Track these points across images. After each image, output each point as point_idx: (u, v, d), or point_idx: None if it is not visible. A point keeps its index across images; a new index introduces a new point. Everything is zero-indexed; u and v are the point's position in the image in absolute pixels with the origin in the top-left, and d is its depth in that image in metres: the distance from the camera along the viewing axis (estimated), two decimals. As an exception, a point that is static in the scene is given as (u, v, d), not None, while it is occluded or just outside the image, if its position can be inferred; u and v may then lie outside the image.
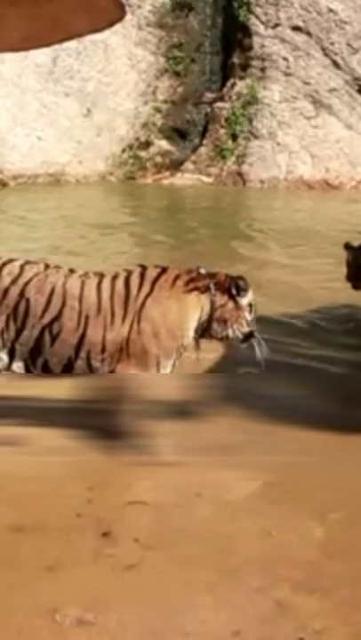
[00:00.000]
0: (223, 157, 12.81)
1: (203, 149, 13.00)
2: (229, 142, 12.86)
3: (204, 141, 13.04)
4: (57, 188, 11.62)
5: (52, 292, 3.51)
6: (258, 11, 12.97)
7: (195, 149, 13.05)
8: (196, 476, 2.52)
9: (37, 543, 2.07)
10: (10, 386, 3.52)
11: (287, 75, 12.97)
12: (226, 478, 2.51)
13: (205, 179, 12.69)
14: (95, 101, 12.61)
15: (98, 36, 11.24)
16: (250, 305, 3.68)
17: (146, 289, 3.52)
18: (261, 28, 13.02)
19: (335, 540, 2.18)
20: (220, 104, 13.09)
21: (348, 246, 5.31)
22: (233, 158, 12.80)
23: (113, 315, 3.49)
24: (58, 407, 3.34)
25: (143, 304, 3.50)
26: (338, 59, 12.99)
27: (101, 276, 3.61)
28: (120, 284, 3.57)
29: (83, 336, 3.48)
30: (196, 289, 3.58)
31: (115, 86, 12.81)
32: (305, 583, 1.90)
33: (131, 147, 12.81)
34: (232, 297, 3.62)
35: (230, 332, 3.64)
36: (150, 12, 13.04)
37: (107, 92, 12.73)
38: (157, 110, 13.00)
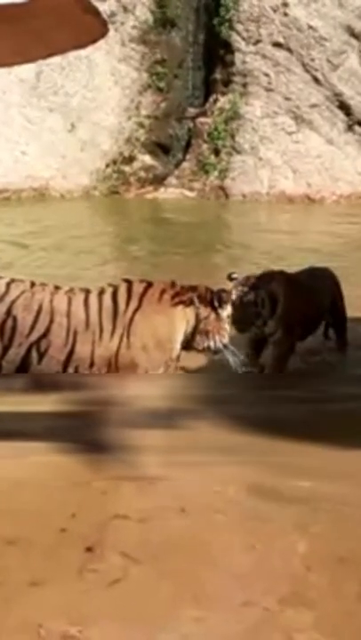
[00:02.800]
0: (206, 172, 12.89)
1: (186, 164, 13.08)
2: (212, 157, 12.95)
3: (187, 156, 13.12)
4: (41, 203, 11.62)
5: (40, 309, 3.51)
6: (239, 27, 13.11)
7: (178, 164, 13.13)
8: (181, 489, 2.51)
9: (22, 558, 2.06)
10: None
11: (268, 90, 13.10)
12: (211, 490, 2.50)
13: (188, 193, 12.76)
14: (79, 116, 12.66)
15: (82, 52, 11.28)
16: (228, 316, 3.72)
17: (134, 304, 3.54)
18: (243, 45, 13.15)
19: (320, 551, 2.18)
20: (202, 119, 13.19)
21: (232, 278, 4.20)
22: (216, 173, 12.88)
23: (101, 330, 3.50)
24: (43, 422, 3.33)
25: (132, 319, 3.52)
26: (318, 75, 13.14)
27: (87, 291, 3.62)
28: (107, 299, 3.59)
29: (71, 352, 3.49)
30: (181, 302, 3.61)
31: (98, 101, 12.87)
32: (291, 596, 1.90)
33: (114, 161, 12.86)
34: (214, 309, 3.65)
35: (212, 343, 3.68)
36: (133, 29, 13.14)
37: (90, 107, 12.79)
38: (141, 125, 13.07)
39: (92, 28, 3.37)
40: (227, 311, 3.71)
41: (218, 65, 13.36)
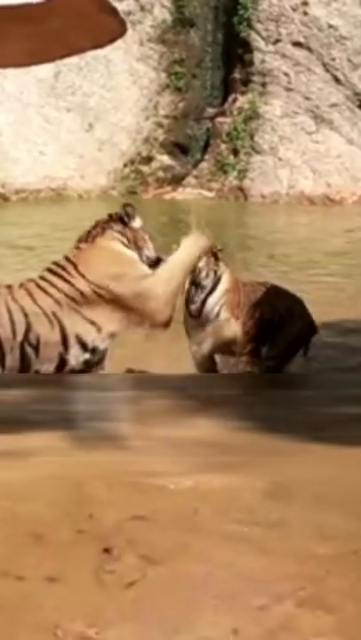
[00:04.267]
0: (225, 172, 12.85)
1: (204, 164, 13.04)
2: (231, 157, 12.90)
3: (206, 156, 13.08)
4: (58, 203, 11.66)
5: (9, 310, 3.55)
6: (259, 27, 13.06)
7: (196, 164, 13.09)
8: (196, 489, 2.50)
9: (39, 559, 2.05)
10: None
11: (288, 90, 13.04)
12: (225, 491, 2.49)
13: (207, 193, 12.73)
14: (97, 116, 12.68)
15: (100, 52, 11.28)
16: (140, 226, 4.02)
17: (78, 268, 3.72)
18: (262, 44, 13.09)
19: (339, 554, 2.16)
20: (221, 119, 13.14)
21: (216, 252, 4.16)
22: (234, 173, 12.84)
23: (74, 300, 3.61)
24: (52, 420, 3.33)
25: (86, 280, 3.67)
26: (339, 74, 13.06)
27: (33, 281, 3.74)
28: (55, 279, 3.71)
29: (62, 329, 3.53)
30: (104, 238, 3.93)
31: (116, 101, 12.88)
32: (308, 600, 1.87)
33: (132, 161, 12.87)
34: (125, 224, 3.91)
35: (148, 252, 3.95)
36: (152, 28, 13.13)
37: (108, 107, 12.80)
38: (159, 125, 13.07)
39: (110, 28, 3.36)
40: (137, 222, 3.88)
41: (237, 64, 13.30)
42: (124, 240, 3.73)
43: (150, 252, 3.84)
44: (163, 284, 3.69)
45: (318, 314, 5.83)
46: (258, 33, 13.08)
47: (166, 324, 3.71)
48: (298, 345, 4.29)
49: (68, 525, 2.22)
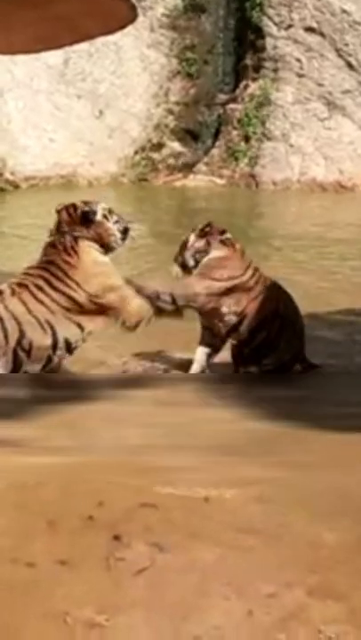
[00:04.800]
0: (236, 159, 12.78)
1: (215, 151, 12.97)
2: (242, 144, 12.83)
3: (217, 143, 13.01)
4: (68, 190, 11.63)
5: (1, 318, 3.71)
6: (271, 12, 12.94)
7: (207, 151, 13.03)
8: (206, 478, 2.50)
9: (48, 546, 2.03)
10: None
11: (300, 76, 12.93)
12: (234, 481, 2.49)
13: (218, 180, 12.67)
14: (107, 103, 12.63)
15: (110, 38, 11.22)
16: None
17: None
18: (274, 30, 12.98)
19: (348, 543, 2.15)
20: (232, 105, 13.06)
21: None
22: (246, 160, 12.77)
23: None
24: (69, 414, 3.34)
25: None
26: (352, 60, 12.93)
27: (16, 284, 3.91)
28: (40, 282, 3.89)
29: (54, 333, 3.70)
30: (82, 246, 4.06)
31: (127, 88, 12.82)
32: (319, 588, 1.86)
33: (143, 148, 12.82)
34: (87, 226, 4.01)
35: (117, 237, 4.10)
36: (162, 14, 13.04)
37: (119, 93, 12.74)
38: (170, 112, 13.01)
39: (121, 14, 3.33)
40: (99, 214, 4.01)
41: (249, 50, 13.20)
42: (97, 246, 4.00)
43: (118, 229, 4.07)
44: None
45: (332, 300, 5.82)
46: (270, 18, 12.97)
47: (137, 326, 4.03)
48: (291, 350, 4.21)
49: (78, 512, 2.22)
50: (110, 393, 3.54)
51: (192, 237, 4.24)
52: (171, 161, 12.87)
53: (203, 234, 4.22)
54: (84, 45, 11.07)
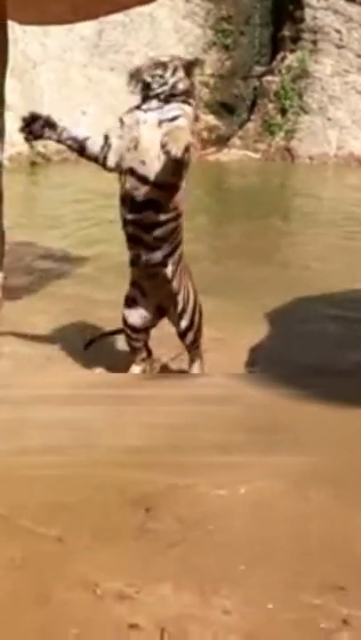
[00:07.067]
0: (271, 133, 12.54)
1: (250, 124, 12.75)
2: (278, 117, 12.59)
3: (252, 116, 12.79)
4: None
5: None
6: (310, -19, 12.62)
7: (242, 124, 12.80)
8: (236, 471, 2.46)
9: (80, 518, 2.07)
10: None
11: (340, 47, 12.60)
12: (261, 466, 2.46)
13: (253, 155, 12.45)
14: (141, 76, 12.44)
15: (144, 9, 11.05)
16: None
17: None
18: (314, 0, 12.65)
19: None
20: (269, 78, 12.79)
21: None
22: (281, 134, 12.52)
23: None
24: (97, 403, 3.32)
25: None
26: (393, 31, 12.56)
27: None
28: None
29: None
30: None
31: (161, 60, 12.61)
32: (334, 577, 1.83)
33: (176, 122, 12.63)
34: None
35: None
36: (198, -16, 12.79)
37: (153, 65, 12.54)
38: (205, 84, 12.77)
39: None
40: None
41: (286, 21, 12.90)
42: None
43: None
44: None
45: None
46: (309, -12, 12.64)
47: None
48: None
49: (111, 487, 2.24)
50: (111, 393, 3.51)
51: None
52: (205, 134, 12.65)
53: None
54: (118, 16, 10.91)
